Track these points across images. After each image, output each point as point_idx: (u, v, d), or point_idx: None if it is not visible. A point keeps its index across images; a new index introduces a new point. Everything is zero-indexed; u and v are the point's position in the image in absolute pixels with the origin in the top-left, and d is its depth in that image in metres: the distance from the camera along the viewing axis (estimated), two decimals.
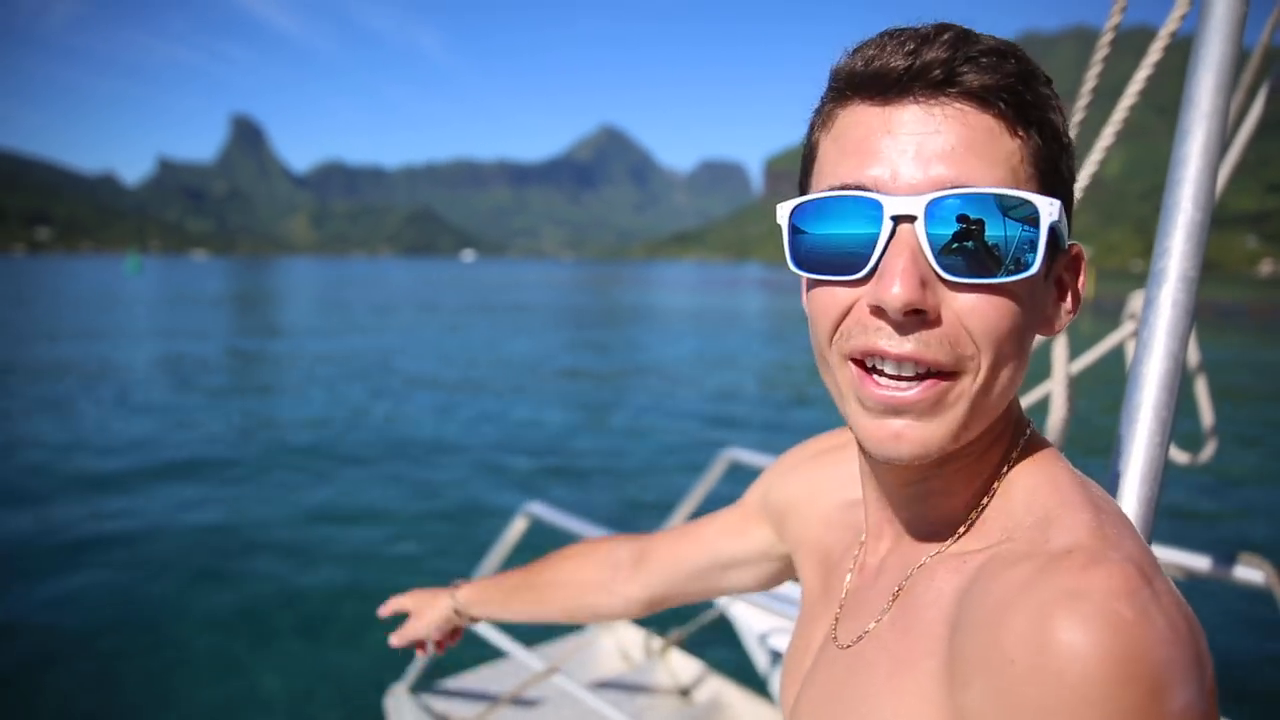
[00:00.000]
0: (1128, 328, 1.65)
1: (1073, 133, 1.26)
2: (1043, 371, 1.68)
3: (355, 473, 9.88)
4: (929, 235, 0.61)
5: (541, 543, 3.93)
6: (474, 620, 1.36)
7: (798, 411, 14.95)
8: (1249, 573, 1.75)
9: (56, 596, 6.07)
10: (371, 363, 20.57)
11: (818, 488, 0.96)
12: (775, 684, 2.81)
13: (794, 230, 0.68)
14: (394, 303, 49.34)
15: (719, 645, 3.63)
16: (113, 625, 5.63)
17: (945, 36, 0.62)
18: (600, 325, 36.16)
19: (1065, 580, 0.54)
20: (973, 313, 0.62)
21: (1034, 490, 0.68)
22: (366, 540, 7.48)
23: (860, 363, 0.65)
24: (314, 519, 8.05)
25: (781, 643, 2.75)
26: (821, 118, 0.69)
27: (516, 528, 2.80)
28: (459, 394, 15.97)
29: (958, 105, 0.62)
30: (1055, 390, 1.62)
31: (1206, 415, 1.88)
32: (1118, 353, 1.71)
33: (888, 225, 0.62)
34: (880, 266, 0.62)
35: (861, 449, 0.73)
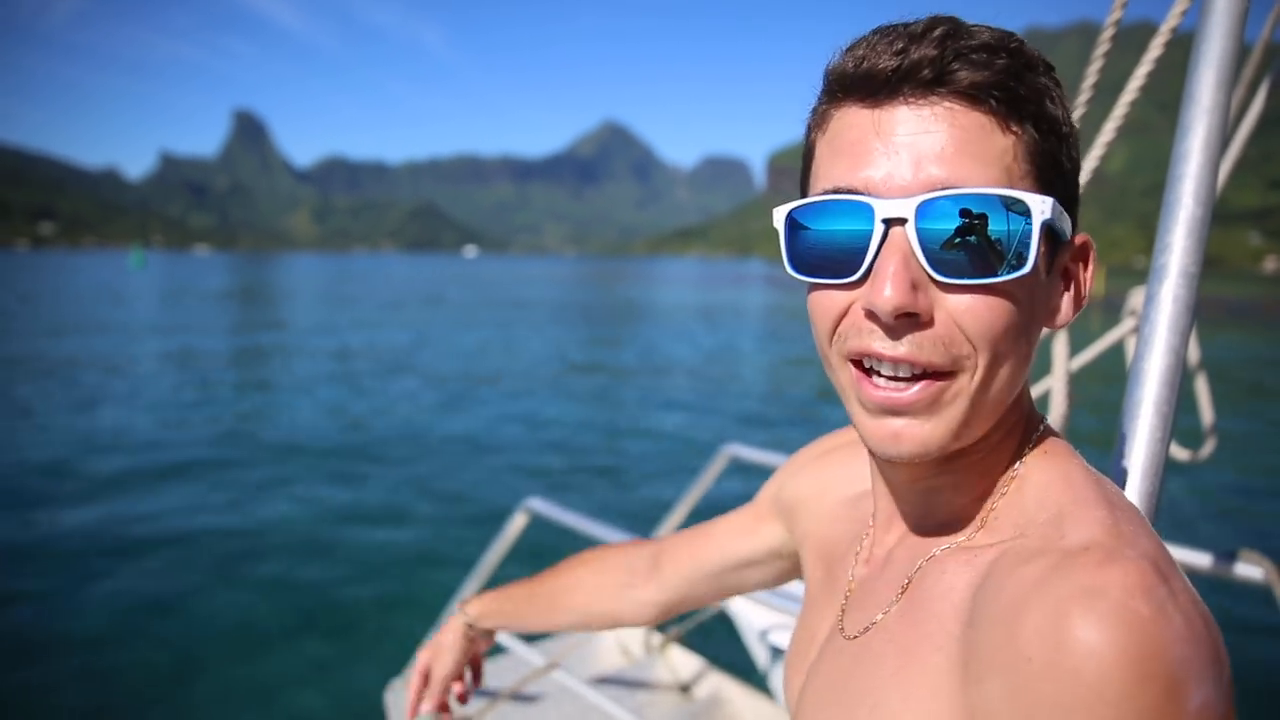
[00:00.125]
0: (1128, 324, 1.64)
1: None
2: (1043, 367, 1.69)
3: (355, 468, 9.89)
4: (920, 237, 0.61)
5: (541, 539, 3.94)
6: (489, 634, 1.31)
7: (801, 407, 14.95)
8: (1249, 570, 1.75)
9: (58, 596, 6.09)
10: (382, 358, 20.58)
11: (826, 484, 0.97)
12: (776, 680, 2.81)
13: (789, 233, 0.68)
14: (401, 298, 49.38)
15: (719, 641, 3.63)
16: (112, 622, 5.65)
17: (935, 33, 0.61)
18: (604, 321, 36.16)
19: (1082, 577, 0.54)
20: (967, 313, 0.61)
21: (1047, 486, 0.67)
22: (366, 535, 7.49)
23: (859, 364, 0.66)
24: (313, 515, 8.06)
25: (782, 639, 2.75)
26: (817, 118, 0.69)
27: (516, 523, 2.79)
28: (467, 389, 15.98)
29: (948, 104, 0.61)
30: (1055, 387, 1.62)
31: (1207, 412, 1.88)
32: (1118, 349, 1.71)
33: (879, 228, 0.62)
34: (873, 269, 0.62)
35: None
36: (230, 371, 18.18)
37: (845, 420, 0.78)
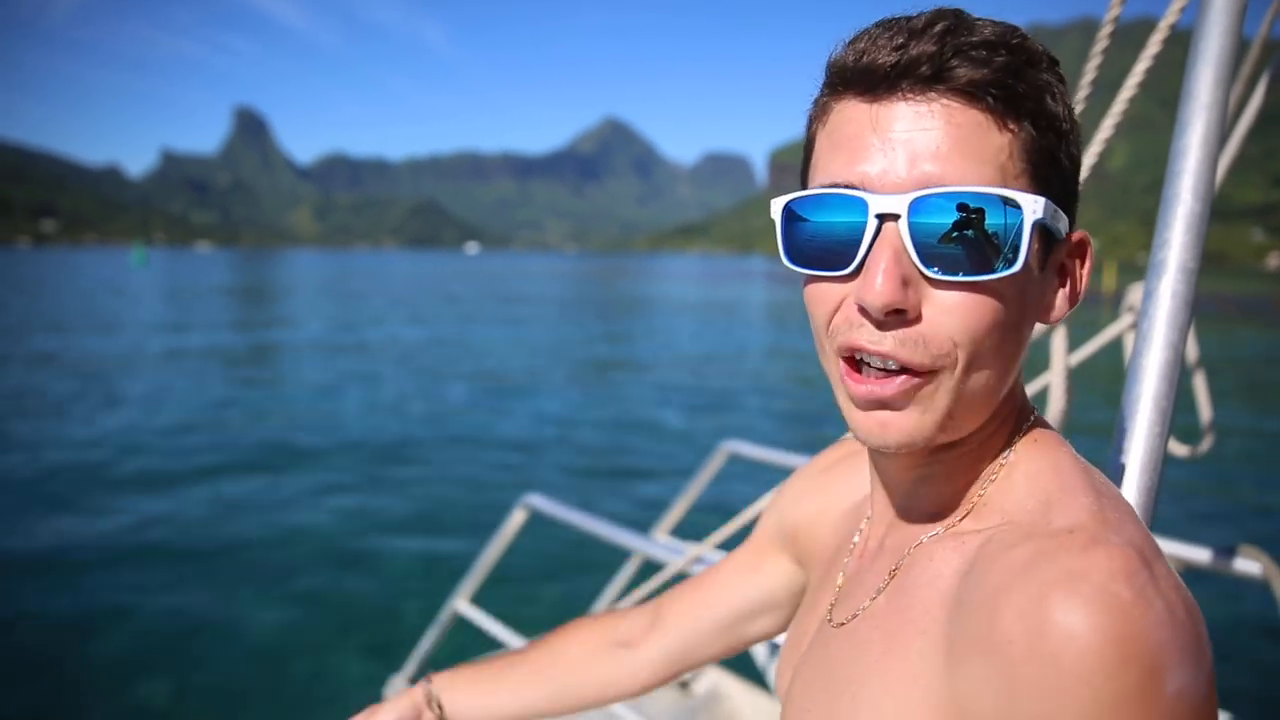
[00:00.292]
0: (1126, 320, 1.64)
1: None
2: (1043, 363, 1.68)
3: (355, 465, 9.90)
4: (912, 233, 0.61)
5: (541, 535, 3.94)
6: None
7: (802, 403, 14.95)
8: (1246, 564, 1.75)
9: (60, 595, 6.10)
10: (386, 354, 20.60)
11: (828, 503, 0.97)
12: (774, 676, 2.81)
13: (786, 225, 0.69)
14: (406, 295, 49.40)
15: None
16: (112, 618, 5.66)
17: (936, 28, 0.62)
18: (606, 317, 36.14)
19: (1065, 561, 0.55)
20: (954, 310, 0.62)
21: (1036, 474, 0.68)
22: (365, 531, 7.50)
23: (849, 358, 0.67)
24: (312, 510, 8.07)
25: (782, 636, 2.75)
26: (817, 110, 0.70)
27: (515, 520, 2.79)
28: (469, 385, 15.98)
29: (945, 101, 0.61)
30: (1054, 382, 1.62)
31: (1205, 408, 1.88)
32: (1117, 347, 1.71)
33: (872, 223, 0.62)
34: (866, 263, 0.63)
35: None
36: (237, 369, 18.19)
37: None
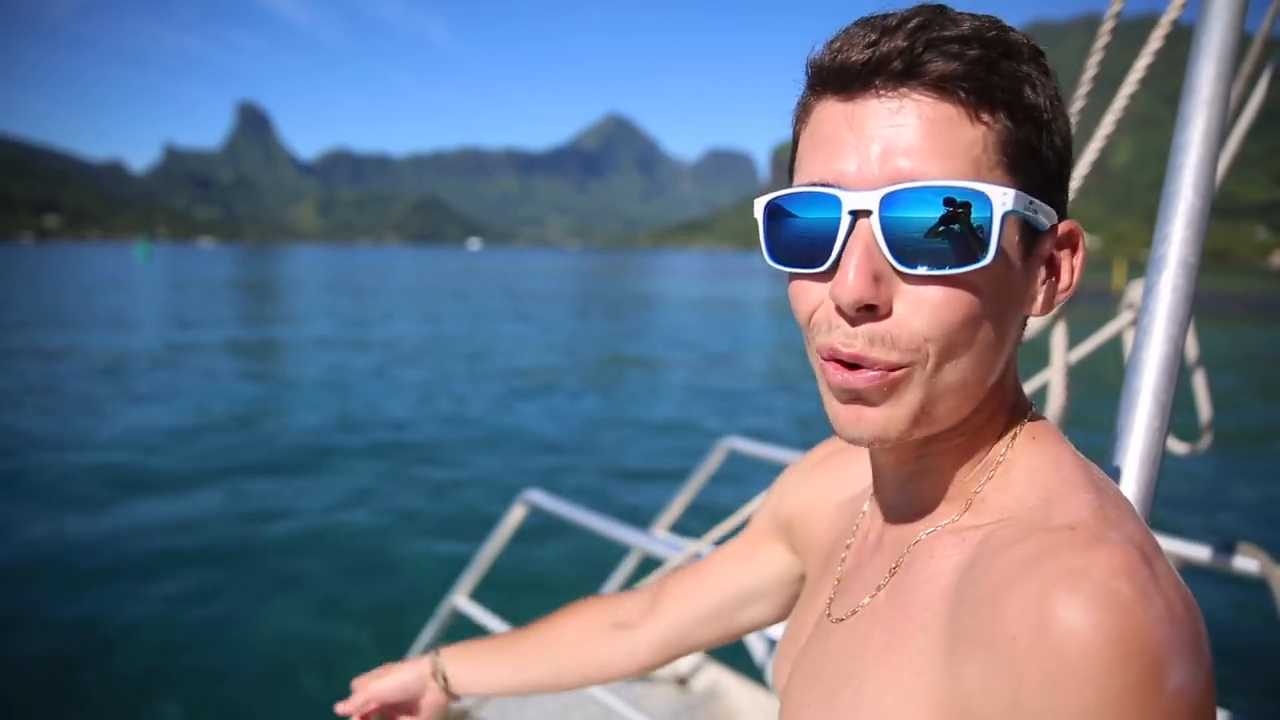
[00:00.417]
0: (1126, 317, 1.64)
1: (1073, 121, 1.25)
2: (1043, 359, 1.68)
3: (356, 461, 9.93)
4: (884, 228, 0.62)
5: (541, 531, 3.93)
6: (453, 696, 1.16)
7: (803, 399, 14.94)
8: (1244, 562, 1.75)
9: (63, 596, 6.12)
10: (389, 351, 20.62)
11: (823, 492, 0.97)
12: (771, 672, 2.81)
13: (768, 224, 0.70)
14: (411, 291, 49.43)
15: None
16: (112, 616, 5.68)
17: (910, 24, 0.62)
18: (616, 314, 36.15)
19: (1067, 558, 0.55)
20: (926, 304, 0.63)
21: (1035, 470, 0.68)
22: (365, 527, 7.51)
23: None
24: (312, 506, 8.08)
25: (779, 632, 2.75)
26: (800, 110, 0.71)
27: (515, 516, 2.79)
28: (471, 380, 16.00)
29: (916, 96, 0.62)
30: (1054, 379, 1.61)
31: (1205, 406, 1.88)
32: (1116, 345, 1.70)
33: (846, 220, 0.63)
34: (840, 260, 0.64)
35: None
36: (248, 364, 18.22)
37: None
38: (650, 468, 10.00)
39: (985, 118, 0.62)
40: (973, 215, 0.61)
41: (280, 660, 5.03)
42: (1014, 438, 0.72)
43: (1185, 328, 1.09)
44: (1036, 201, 0.65)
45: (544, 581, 6.00)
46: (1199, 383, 1.85)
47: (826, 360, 0.67)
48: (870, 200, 0.62)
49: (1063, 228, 0.69)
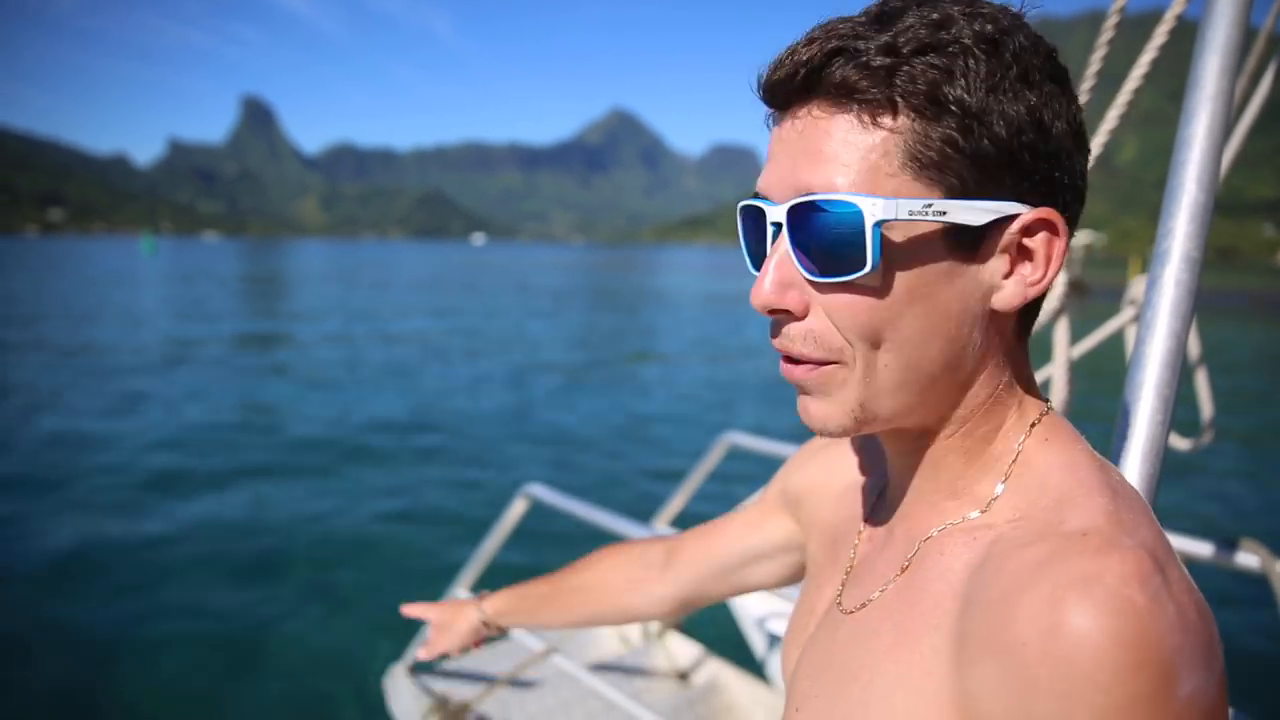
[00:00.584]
0: (1128, 314, 1.64)
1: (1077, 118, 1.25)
2: (1045, 355, 1.68)
3: (355, 458, 9.94)
4: (791, 240, 0.66)
5: (541, 525, 3.93)
6: (501, 631, 1.36)
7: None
8: (1245, 558, 1.75)
9: (60, 595, 6.15)
10: (391, 349, 20.66)
11: (832, 472, 0.98)
12: (773, 667, 2.82)
13: (741, 230, 0.75)
14: (418, 285, 49.47)
15: (717, 628, 3.64)
16: (112, 615, 5.70)
17: (823, 36, 0.63)
18: (614, 308, 36.16)
19: (1079, 564, 0.55)
20: (833, 309, 0.66)
21: (1050, 471, 0.67)
22: (364, 522, 7.52)
23: None
24: (310, 502, 8.10)
25: (779, 626, 2.76)
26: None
27: (516, 509, 2.80)
28: (473, 376, 16.03)
29: (816, 111, 0.64)
30: (1056, 374, 1.61)
31: (1206, 402, 1.88)
32: (1117, 343, 1.70)
33: (770, 230, 0.68)
34: (762, 268, 0.68)
35: None
36: (259, 359, 18.25)
37: None
38: (651, 462, 10.01)
39: (885, 122, 0.61)
40: (849, 225, 0.62)
41: (273, 658, 5.03)
42: (1026, 435, 0.71)
43: (1188, 322, 1.09)
44: (962, 202, 0.62)
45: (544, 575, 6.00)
46: (1201, 380, 1.85)
47: (781, 356, 0.72)
48: (780, 213, 0.66)
49: (1030, 216, 0.65)
